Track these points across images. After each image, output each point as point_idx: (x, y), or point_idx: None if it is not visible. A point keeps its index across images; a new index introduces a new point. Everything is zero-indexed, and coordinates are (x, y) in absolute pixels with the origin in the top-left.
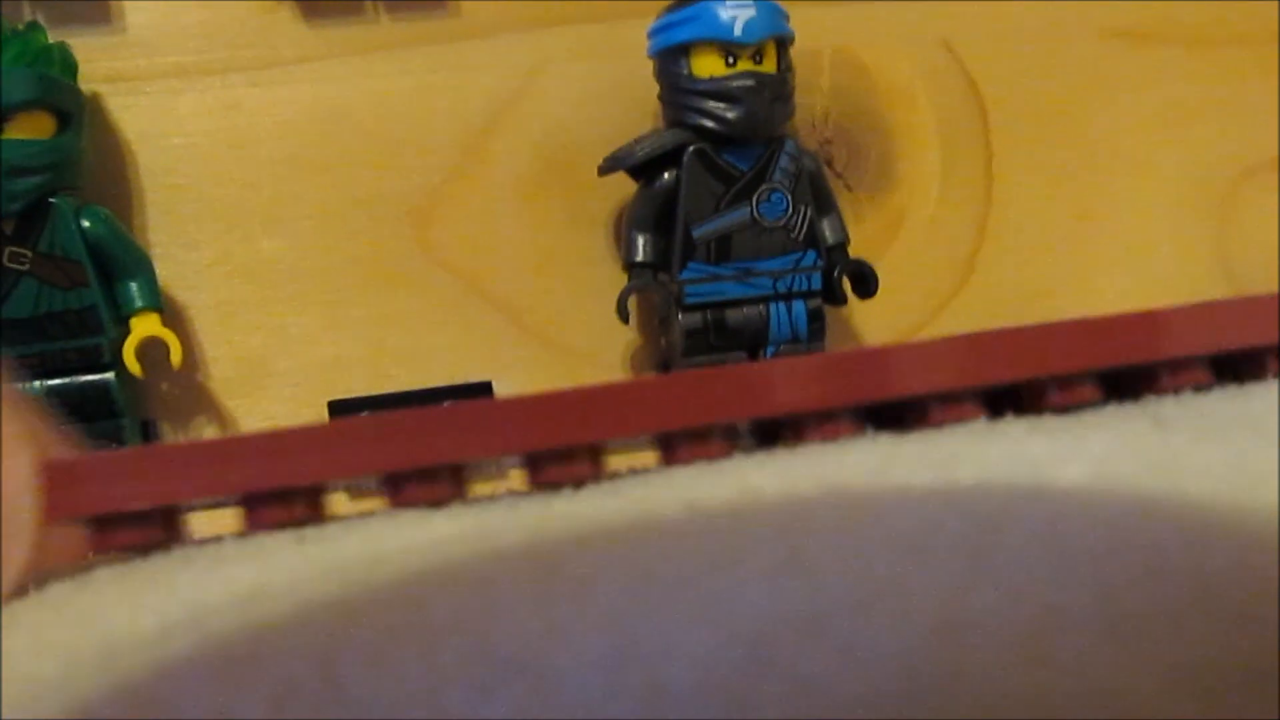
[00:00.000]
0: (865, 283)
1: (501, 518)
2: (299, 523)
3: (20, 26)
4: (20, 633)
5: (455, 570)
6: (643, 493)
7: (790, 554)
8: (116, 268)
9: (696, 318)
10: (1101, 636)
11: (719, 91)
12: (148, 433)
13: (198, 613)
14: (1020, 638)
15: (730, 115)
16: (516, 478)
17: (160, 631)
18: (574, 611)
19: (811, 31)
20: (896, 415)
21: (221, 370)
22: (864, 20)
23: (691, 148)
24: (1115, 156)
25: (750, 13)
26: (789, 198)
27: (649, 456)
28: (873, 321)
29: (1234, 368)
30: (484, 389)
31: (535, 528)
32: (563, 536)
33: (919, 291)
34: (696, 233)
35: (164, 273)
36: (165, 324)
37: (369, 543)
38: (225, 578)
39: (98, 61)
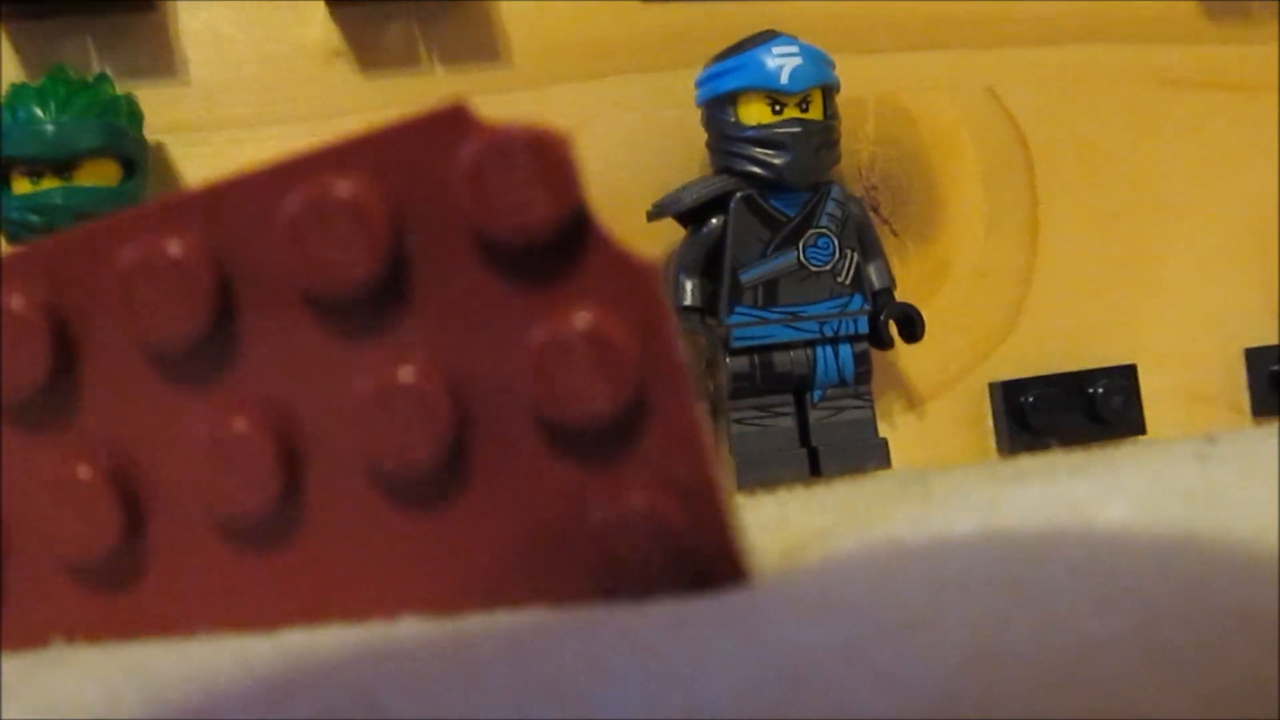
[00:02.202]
0: (911, 326)
1: None
2: None
3: (89, 78)
4: (68, 666)
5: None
6: None
7: (826, 592)
8: None
9: (744, 361)
10: (1140, 665)
11: (766, 139)
12: None
13: (239, 644)
14: (1058, 666)
15: (777, 162)
16: None
17: (206, 679)
18: (614, 640)
19: (857, 79)
20: None
21: None
22: (908, 68)
23: (739, 194)
24: (1162, 201)
25: (796, 61)
26: (835, 242)
27: None
28: (919, 366)
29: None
30: None
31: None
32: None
33: (966, 337)
34: (744, 277)
35: None
36: None
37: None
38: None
39: (162, 112)
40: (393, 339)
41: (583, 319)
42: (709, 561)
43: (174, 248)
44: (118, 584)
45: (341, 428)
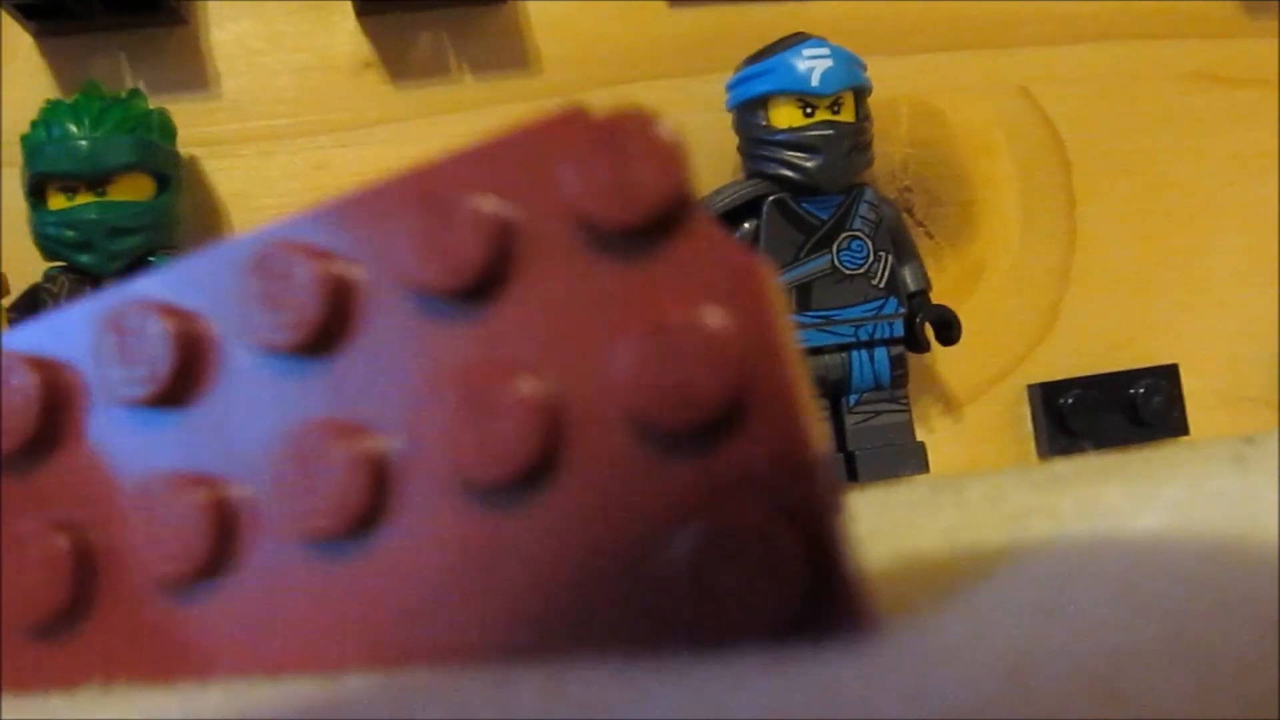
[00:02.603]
0: (948, 329)
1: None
2: None
3: (122, 93)
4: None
5: None
6: None
7: None
8: None
9: None
10: (1175, 676)
11: (797, 142)
12: None
13: (282, 687)
14: (1090, 674)
15: (809, 165)
16: None
17: (244, 703)
18: (648, 668)
19: (889, 81)
20: None
21: None
22: (940, 69)
23: (771, 197)
24: (1201, 199)
25: (827, 64)
26: (869, 245)
27: None
28: (956, 369)
29: None
30: None
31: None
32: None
33: (1003, 338)
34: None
35: None
36: None
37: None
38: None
39: (195, 126)
40: (489, 339)
41: (684, 311)
42: (821, 595)
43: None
44: (208, 607)
45: (434, 434)
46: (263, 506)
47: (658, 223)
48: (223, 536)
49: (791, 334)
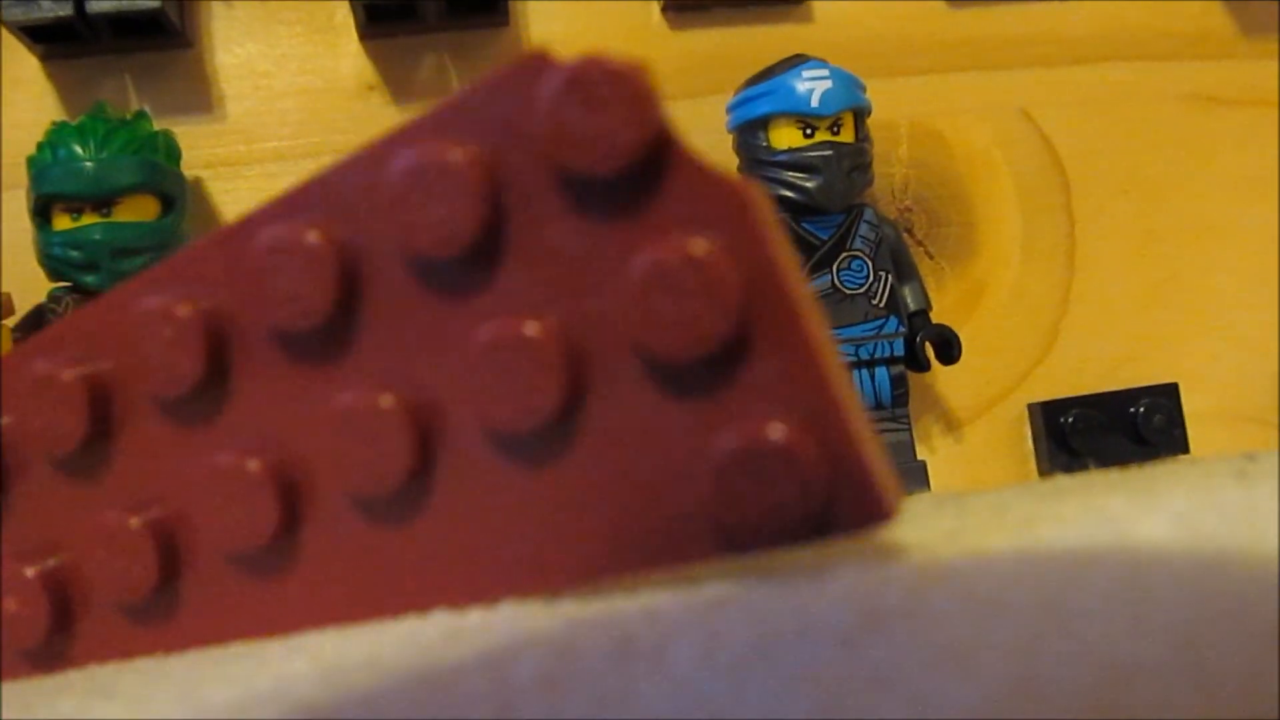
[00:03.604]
0: (949, 348)
1: (579, 589)
2: None
3: (128, 115)
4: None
5: (534, 636)
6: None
7: (865, 615)
8: None
9: None
10: (1178, 688)
11: (797, 162)
12: None
13: (284, 685)
14: (1096, 687)
15: (809, 185)
16: None
17: (244, 701)
18: (648, 673)
19: (889, 102)
20: None
21: None
22: (941, 90)
23: None
24: (1200, 220)
25: (827, 85)
26: (869, 265)
27: None
28: (957, 388)
29: None
30: None
31: (611, 598)
32: (636, 608)
33: (1003, 357)
34: None
35: None
36: None
37: (449, 618)
38: (310, 652)
39: (200, 148)
40: (495, 294)
41: (677, 245)
42: (845, 494)
43: (308, 235)
44: (276, 573)
45: (458, 391)
46: (319, 473)
47: (640, 165)
48: (288, 504)
49: (787, 252)
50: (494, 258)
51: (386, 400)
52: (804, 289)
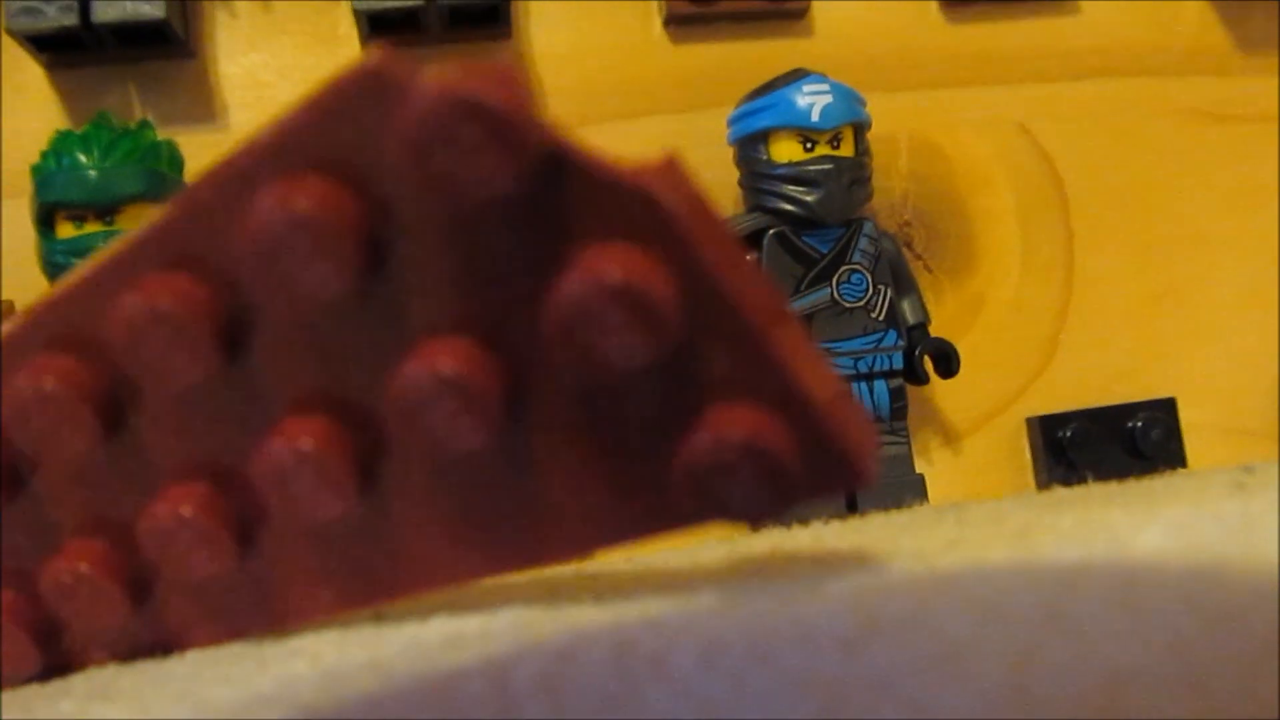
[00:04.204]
0: (947, 362)
1: (579, 593)
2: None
3: (132, 124)
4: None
5: (535, 641)
6: (710, 564)
7: (865, 621)
8: None
9: None
10: (1174, 696)
11: (797, 176)
12: None
13: (284, 687)
14: (1093, 695)
15: (809, 199)
16: None
17: (244, 703)
18: (650, 677)
19: (889, 116)
20: None
21: None
22: (940, 104)
23: (772, 231)
24: (1197, 235)
25: (827, 99)
26: (869, 278)
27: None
28: (955, 401)
29: None
30: None
31: (612, 603)
32: (637, 613)
33: (1002, 371)
34: None
35: None
36: None
37: (449, 622)
38: (311, 654)
39: (203, 157)
40: (408, 321)
41: (592, 267)
42: (820, 465)
43: (198, 292)
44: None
45: (398, 420)
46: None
47: (528, 192)
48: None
49: (717, 231)
50: (396, 288)
51: (319, 437)
52: (741, 266)
